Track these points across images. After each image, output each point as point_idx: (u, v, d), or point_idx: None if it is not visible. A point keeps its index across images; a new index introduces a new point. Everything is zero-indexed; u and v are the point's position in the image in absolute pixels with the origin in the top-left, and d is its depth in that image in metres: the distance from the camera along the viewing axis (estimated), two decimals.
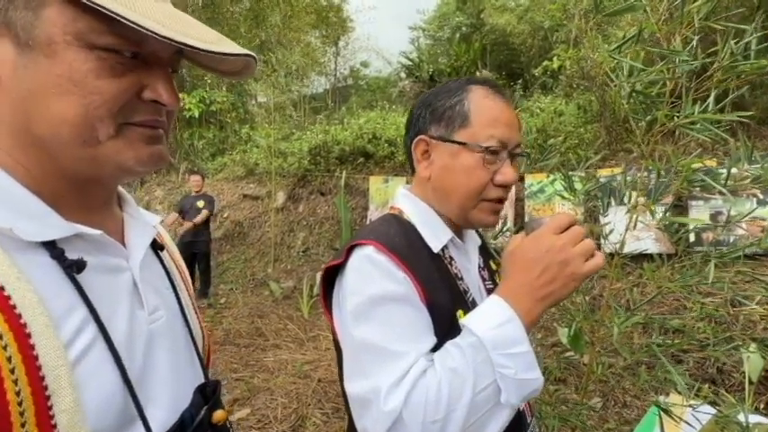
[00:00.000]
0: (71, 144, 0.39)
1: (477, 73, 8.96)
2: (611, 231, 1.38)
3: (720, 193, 0.86)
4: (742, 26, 0.86)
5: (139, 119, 0.42)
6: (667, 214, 1.15)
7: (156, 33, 0.36)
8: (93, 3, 0.35)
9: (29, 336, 0.35)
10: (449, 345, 0.57)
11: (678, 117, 0.92)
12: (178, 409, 0.48)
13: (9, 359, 0.34)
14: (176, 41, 0.37)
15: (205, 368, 0.56)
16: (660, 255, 1.30)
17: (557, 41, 6.58)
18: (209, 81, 10.33)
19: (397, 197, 0.76)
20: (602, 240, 1.38)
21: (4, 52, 0.37)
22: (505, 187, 0.68)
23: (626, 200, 1.16)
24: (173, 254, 0.62)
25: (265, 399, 2.92)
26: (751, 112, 0.84)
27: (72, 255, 0.40)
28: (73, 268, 0.40)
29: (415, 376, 0.54)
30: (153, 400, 0.45)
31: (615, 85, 1.04)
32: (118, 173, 0.43)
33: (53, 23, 0.36)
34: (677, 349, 1.31)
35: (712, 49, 0.96)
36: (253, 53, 0.43)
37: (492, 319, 0.54)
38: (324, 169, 6.44)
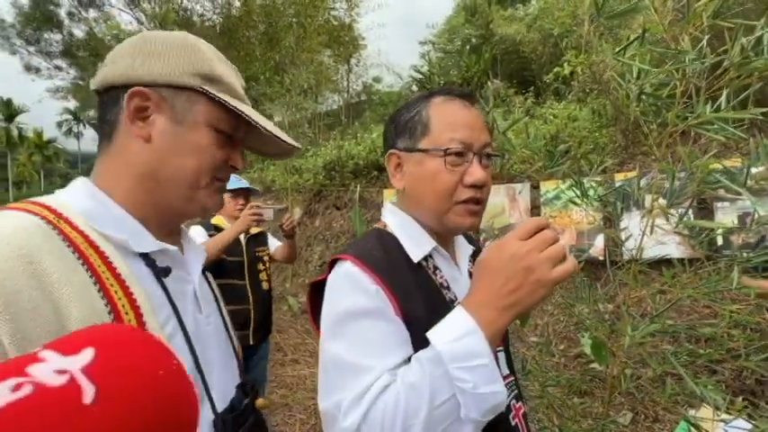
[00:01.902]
0: (183, 186, 0.57)
1: (489, 83, 8.96)
2: (628, 237, 1.34)
3: (738, 193, 0.83)
4: (751, 22, 0.83)
5: (220, 176, 0.61)
6: (686, 218, 1.11)
7: (264, 128, 0.59)
8: (231, 106, 0.57)
9: (141, 314, 0.48)
10: (413, 358, 0.56)
11: (690, 117, 0.90)
12: (225, 399, 0.59)
13: None
14: (273, 134, 0.59)
15: (242, 370, 0.68)
16: (685, 260, 1.25)
17: (567, 47, 6.53)
18: None
19: (384, 211, 0.77)
20: (620, 247, 1.33)
21: (161, 123, 0.56)
22: (478, 188, 0.67)
23: (643, 204, 1.12)
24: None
25: (284, 415, 2.91)
26: (765, 109, 0.81)
27: (160, 264, 0.56)
28: (161, 273, 0.55)
29: (376, 391, 0.54)
30: (210, 386, 0.56)
31: (623, 89, 1.02)
32: (199, 211, 0.61)
33: (200, 113, 0.57)
34: (708, 360, 1.24)
35: (723, 48, 0.93)
36: (299, 146, 0.66)
37: (452, 332, 0.52)
38: (339, 184, 6.51)
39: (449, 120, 0.68)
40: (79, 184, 0.55)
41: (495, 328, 0.52)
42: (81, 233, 0.48)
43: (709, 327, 1.41)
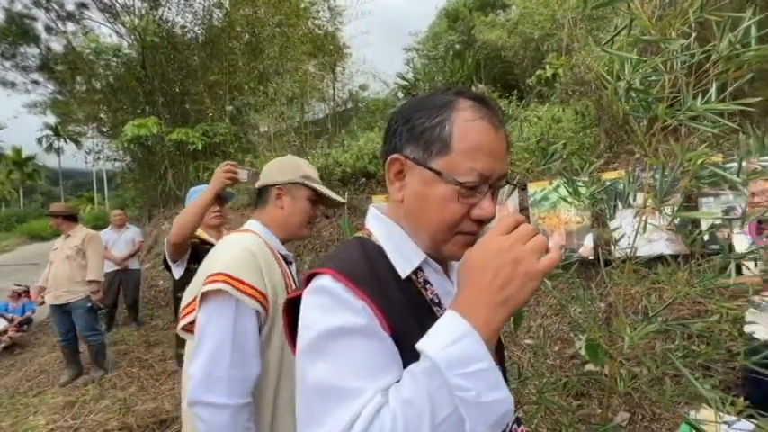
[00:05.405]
0: (300, 226, 1.34)
1: (473, 87, 9.05)
2: (621, 237, 1.32)
3: (731, 187, 0.81)
4: (738, 14, 0.82)
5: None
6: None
7: (329, 196, 1.41)
8: (317, 188, 1.33)
9: (291, 285, 1.28)
10: (405, 373, 0.50)
11: (680, 112, 0.88)
12: None
13: None
14: (333, 197, 1.40)
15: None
16: (676, 257, 1.23)
17: (548, 50, 6.64)
18: (210, 115, 10.53)
19: (367, 218, 0.70)
20: (612, 246, 1.31)
21: (288, 199, 1.33)
22: (482, 222, 0.62)
23: (633, 202, 1.10)
24: None
25: None
26: (756, 99, 0.80)
27: (288, 259, 1.35)
28: (290, 264, 1.35)
29: (369, 416, 0.47)
30: None
31: (611, 84, 1.00)
32: (298, 237, 1.40)
33: (304, 194, 1.36)
34: (704, 358, 1.22)
35: (712, 44, 0.92)
36: (344, 200, 1.49)
37: (445, 337, 0.47)
38: None
39: (473, 143, 0.59)
40: (258, 225, 1.27)
41: (491, 329, 0.48)
42: (268, 245, 1.21)
43: (702, 322, 1.39)
